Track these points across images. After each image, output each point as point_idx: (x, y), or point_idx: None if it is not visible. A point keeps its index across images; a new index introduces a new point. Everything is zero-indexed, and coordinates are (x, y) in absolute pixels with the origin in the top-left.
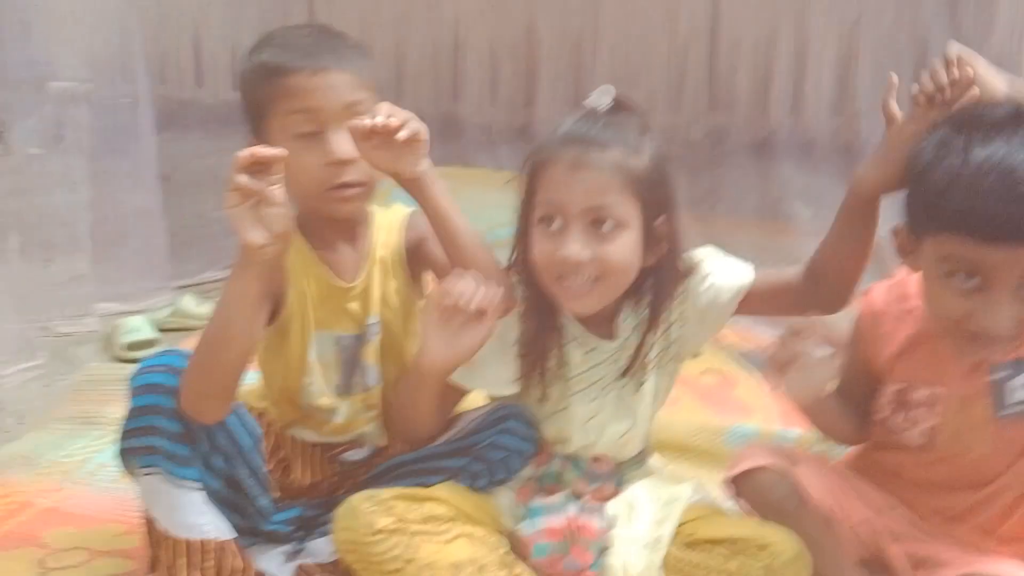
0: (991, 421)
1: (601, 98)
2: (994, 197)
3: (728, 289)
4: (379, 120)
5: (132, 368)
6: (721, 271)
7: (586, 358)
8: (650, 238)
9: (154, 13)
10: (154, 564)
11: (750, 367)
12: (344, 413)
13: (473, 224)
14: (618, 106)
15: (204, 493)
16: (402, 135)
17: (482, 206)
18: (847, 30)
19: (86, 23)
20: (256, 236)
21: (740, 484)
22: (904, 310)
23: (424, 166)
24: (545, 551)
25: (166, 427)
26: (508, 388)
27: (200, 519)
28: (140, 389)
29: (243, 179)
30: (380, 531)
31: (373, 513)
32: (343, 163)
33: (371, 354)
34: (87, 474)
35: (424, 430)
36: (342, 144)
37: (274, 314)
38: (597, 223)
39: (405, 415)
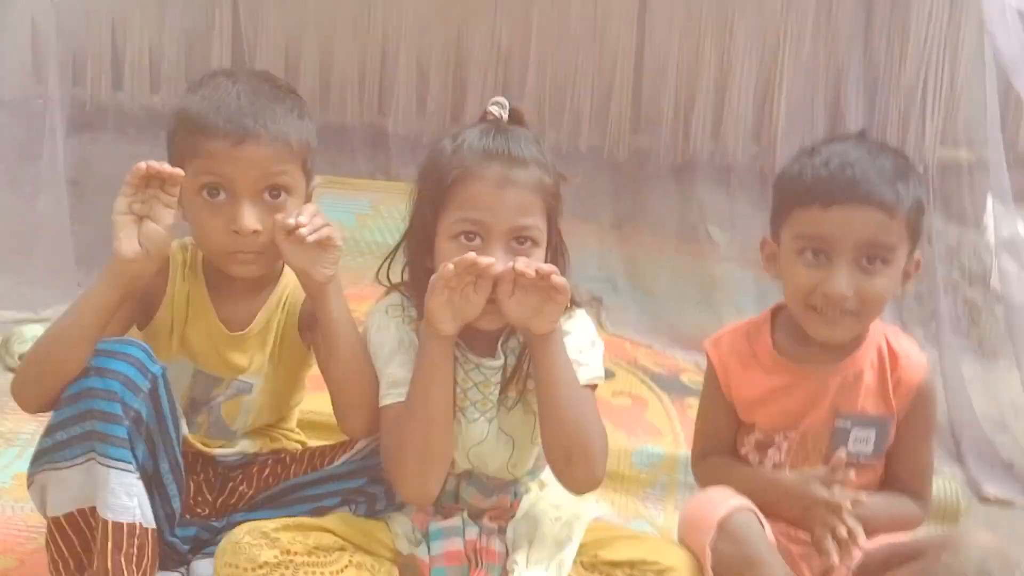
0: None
1: (501, 110)
2: (833, 171)
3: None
4: (301, 219)
5: None
6: (580, 344)
7: (467, 376)
8: (548, 249)
9: (72, 14)
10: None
11: (661, 391)
12: (192, 431)
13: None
14: (514, 117)
15: (137, 476)
16: (311, 237)
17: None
18: (769, 55)
19: None
20: (128, 248)
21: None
22: (748, 356)
23: (333, 273)
24: (444, 574)
25: (104, 409)
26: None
27: (130, 502)
28: (87, 371)
29: (135, 187)
30: (264, 564)
31: (256, 547)
32: (247, 234)
33: (230, 410)
34: None
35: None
36: (249, 217)
37: (146, 318)
38: (518, 240)
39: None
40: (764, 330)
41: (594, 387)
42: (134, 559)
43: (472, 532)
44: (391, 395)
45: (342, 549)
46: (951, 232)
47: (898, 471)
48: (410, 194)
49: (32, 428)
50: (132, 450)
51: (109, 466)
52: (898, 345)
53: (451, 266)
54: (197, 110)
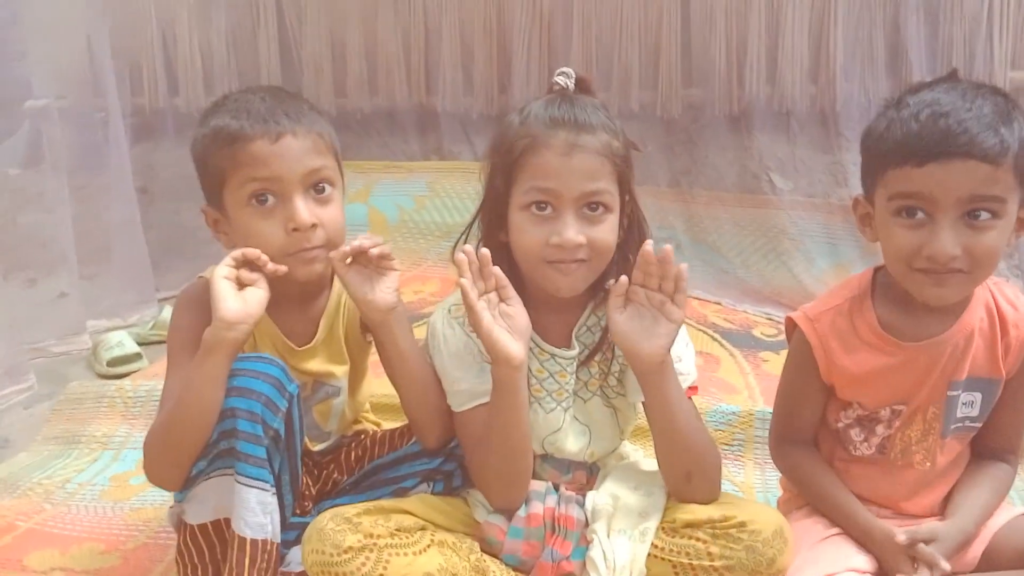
0: (940, 435)
1: (566, 79)
2: (924, 124)
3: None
4: (357, 244)
5: (115, 384)
6: (676, 352)
7: (542, 367)
8: (622, 217)
9: (123, 25)
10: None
11: (733, 347)
12: None
13: (447, 224)
14: (581, 86)
15: (273, 493)
16: (374, 251)
17: (461, 197)
18: None
19: (55, 40)
20: (231, 310)
21: None
22: (851, 335)
23: (395, 301)
24: (521, 534)
25: (247, 429)
26: (490, 395)
27: (266, 519)
28: (229, 391)
29: (238, 263)
30: (348, 549)
31: (340, 532)
32: (307, 229)
33: (322, 413)
34: (67, 494)
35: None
36: (305, 211)
37: None
38: (590, 207)
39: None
40: (866, 306)
41: (694, 389)
42: (264, 572)
43: (551, 499)
44: (459, 403)
45: (423, 529)
46: None
47: (995, 427)
48: (483, 169)
49: (124, 431)
50: (270, 468)
51: (250, 485)
52: (1005, 302)
53: (463, 281)
54: (229, 122)
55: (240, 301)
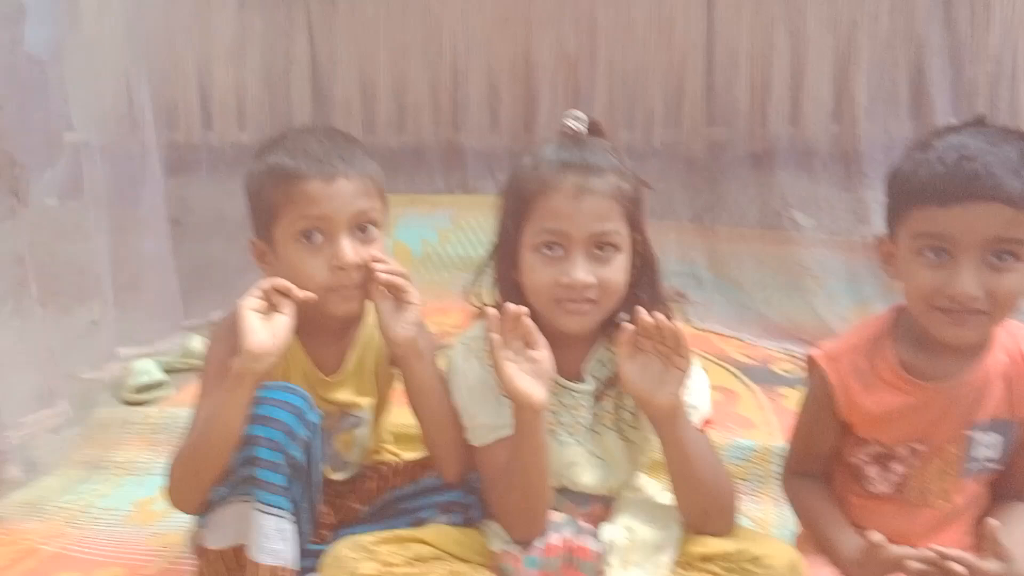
0: (957, 474)
1: (577, 122)
2: (951, 167)
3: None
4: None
5: (140, 411)
6: (688, 386)
7: (558, 400)
8: (634, 256)
9: (160, 61)
10: None
11: (752, 382)
12: None
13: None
14: (593, 129)
15: (291, 520)
16: (380, 275)
17: (485, 231)
18: (844, 35)
19: (95, 75)
20: (257, 342)
21: None
22: (870, 374)
23: (414, 335)
24: (536, 564)
25: (267, 457)
26: (509, 429)
27: (283, 546)
28: (253, 419)
29: (265, 294)
30: None
31: (356, 560)
32: (350, 268)
33: (345, 444)
34: (91, 518)
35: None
36: (350, 250)
37: None
38: (599, 247)
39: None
40: (886, 344)
41: (709, 423)
42: None
43: (568, 530)
44: (479, 438)
45: (438, 559)
46: None
47: (1017, 470)
48: (495, 209)
49: (147, 457)
50: (290, 496)
51: (268, 512)
52: None
53: (493, 336)
54: (285, 161)
55: (267, 332)
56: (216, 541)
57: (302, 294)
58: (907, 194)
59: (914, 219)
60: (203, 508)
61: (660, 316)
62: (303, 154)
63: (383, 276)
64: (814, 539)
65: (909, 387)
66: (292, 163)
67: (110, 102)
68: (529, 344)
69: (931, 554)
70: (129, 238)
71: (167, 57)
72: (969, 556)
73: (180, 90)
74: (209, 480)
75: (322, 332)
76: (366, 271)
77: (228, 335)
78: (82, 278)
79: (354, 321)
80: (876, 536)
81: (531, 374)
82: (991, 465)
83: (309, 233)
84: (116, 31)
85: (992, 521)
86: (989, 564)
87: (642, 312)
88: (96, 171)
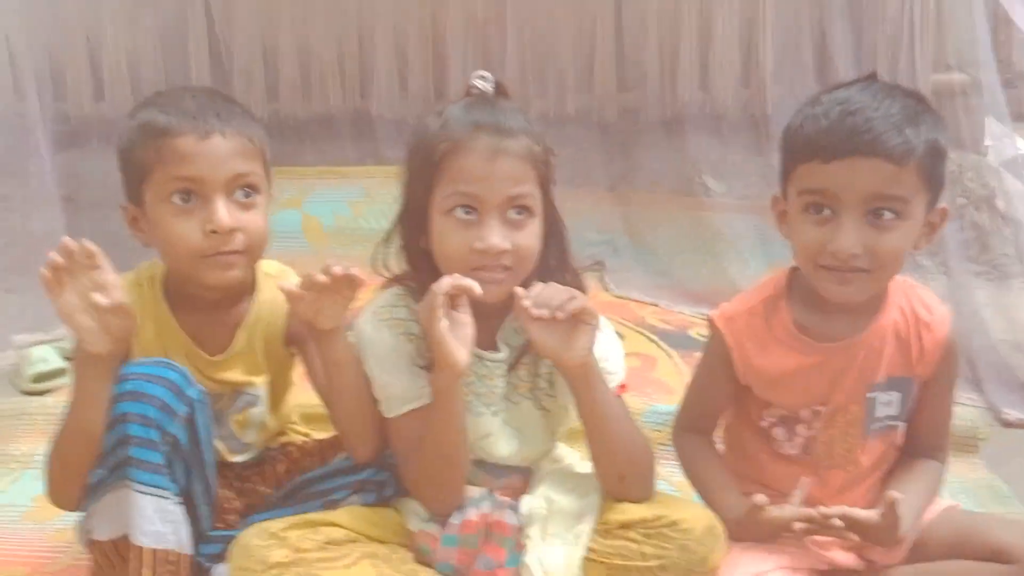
0: (861, 435)
1: (485, 83)
2: (833, 121)
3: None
4: (336, 271)
5: (38, 401)
6: (602, 352)
7: (471, 370)
8: (545, 220)
9: (45, 28)
10: None
11: (669, 348)
12: None
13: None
14: (499, 90)
15: (175, 501)
16: (337, 270)
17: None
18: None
19: None
20: (96, 343)
21: None
22: (766, 335)
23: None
24: (454, 542)
25: (139, 435)
26: (423, 399)
27: (165, 528)
28: (122, 396)
29: (59, 283)
30: (276, 565)
31: (265, 548)
32: (226, 232)
33: (242, 424)
34: None
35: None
36: (225, 213)
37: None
38: (513, 211)
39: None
40: (781, 306)
41: (623, 388)
42: None
43: (486, 506)
44: (391, 409)
45: (353, 542)
46: (952, 157)
47: (919, 426)
48: (400, 173)
49: (46, 449)
50: (171, 475)
51: (145, 492)
52: (920, 305)
53: (441, 289)
54: (157, 116)
55: (98, 327)
56: (103, 532)
57: (81, 246)
58: (794, 149)
59: (800, 175)
60: (85, 498)
61: (544, 292)
62: (176, 110)
63: (334, 273)
64: (701, 498)
65: (804, 348)
66: (164, 119)
67: None
68: (454, 305)
69: (813, 513)
70: (13, 215)
71: (53, 22)
72: (848, 508)
73: (68, 58)
74: (80, 474)
75: (204, 308)
76: (247, 237)
77: None
78: None
79: (241, 297)
80: (759, 497)
81: (457, 337)
82: (892, 423)
83: (184, 193)
84: None
85: (894, 494)
86: (866, 513)
87: (520, 292)
88: None
